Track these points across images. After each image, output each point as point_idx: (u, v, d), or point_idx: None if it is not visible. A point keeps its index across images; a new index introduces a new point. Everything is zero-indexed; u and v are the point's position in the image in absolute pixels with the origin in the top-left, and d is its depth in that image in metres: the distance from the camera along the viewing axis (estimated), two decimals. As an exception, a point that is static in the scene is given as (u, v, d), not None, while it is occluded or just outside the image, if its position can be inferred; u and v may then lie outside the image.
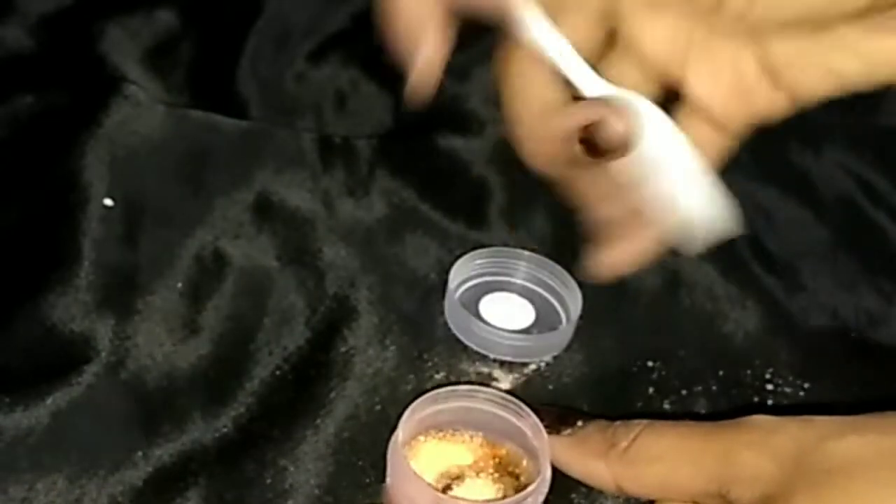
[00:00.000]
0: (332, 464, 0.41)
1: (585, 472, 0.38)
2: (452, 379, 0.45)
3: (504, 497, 0.38)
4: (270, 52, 0.61)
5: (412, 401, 0.43)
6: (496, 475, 0.39)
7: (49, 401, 0.41)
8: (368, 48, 0.63)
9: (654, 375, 0.46)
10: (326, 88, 0.60)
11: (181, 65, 0.59)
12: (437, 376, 0.45)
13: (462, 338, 0.46)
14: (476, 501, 0.37)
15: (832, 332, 0.50)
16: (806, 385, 0.47)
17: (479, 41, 0.65)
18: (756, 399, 0.46)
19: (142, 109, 0.53)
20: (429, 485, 0.37)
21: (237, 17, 0.63)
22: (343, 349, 0.45)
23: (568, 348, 0.47)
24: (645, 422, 0.38)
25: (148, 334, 0.44)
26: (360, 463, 0.41)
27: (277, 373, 0.44)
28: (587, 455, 0.38)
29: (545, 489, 0.37)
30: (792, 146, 0.59)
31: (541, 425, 0.39)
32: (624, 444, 0.37)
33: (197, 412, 0.42)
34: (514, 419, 0.39)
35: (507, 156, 0.57)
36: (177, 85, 0.58)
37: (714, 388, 0.46)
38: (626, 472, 0.37)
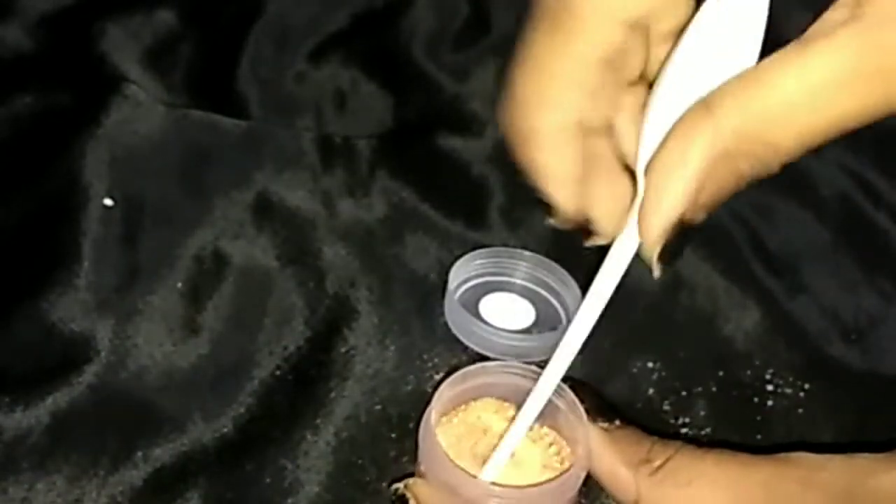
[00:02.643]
0: (332, 463, 0.41)
1: (610, 474, 0.37)
2: (452, 379, 0.45)
3: (544, 472, 0.37)
4: (270, 52, 0.61)
5: (412, 401, 0.44)
6: (532, 452, 0.38)
7: (49, 401, 0.41)
8: (368, 48, 0.63)
9: (654, 376, 0.47)
10: (326, 88, 0.60)
11: (181, 65, 0.59)
12: (437, 376, 0.45)
13: (462, 338, 0.46)
14: (510, 486, 0.36)
15: (832, 333, 0.50)
16: (806, 385, 0.47)
17: (479, 41, 0.65)
18: (756, 399, 0.46)
19: (142, 109, 0.53)
20: (458, 466, 0.36)
21: (237, 17, 0.63)
22: (343, 349, 0.45)
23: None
24: (678, 443, 0.37)
25: (148, 334, 0.44)
26: (360, 462, 0.41)
27: (277, 373, 0.44)
28: (618, 460, 0.37)
29: (583, 472, 0.37)
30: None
31: (579, 404, 0.38)
32: (658, 462, 0.36)
33: (197, 412, 0.42)
34: (553, 399, 0.38)
35: (507, 156, 0.57)
36: (177, 85, 0.58)
37: (714, 388, 0.46)
38: (652, 492, 0.36)
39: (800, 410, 0.46)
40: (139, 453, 0.40)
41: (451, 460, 0.36)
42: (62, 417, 0.40)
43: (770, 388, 0.47)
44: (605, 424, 0.38)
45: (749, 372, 0.47)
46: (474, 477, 0.36)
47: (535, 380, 0.38)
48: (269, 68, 0.61)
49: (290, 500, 0.39)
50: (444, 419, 0.39)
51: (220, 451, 0.41)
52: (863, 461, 0.35)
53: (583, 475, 0.37)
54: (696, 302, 0.50)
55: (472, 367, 0.39)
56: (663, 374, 0.47)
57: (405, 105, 0.60)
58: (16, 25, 0.58)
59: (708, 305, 0.50)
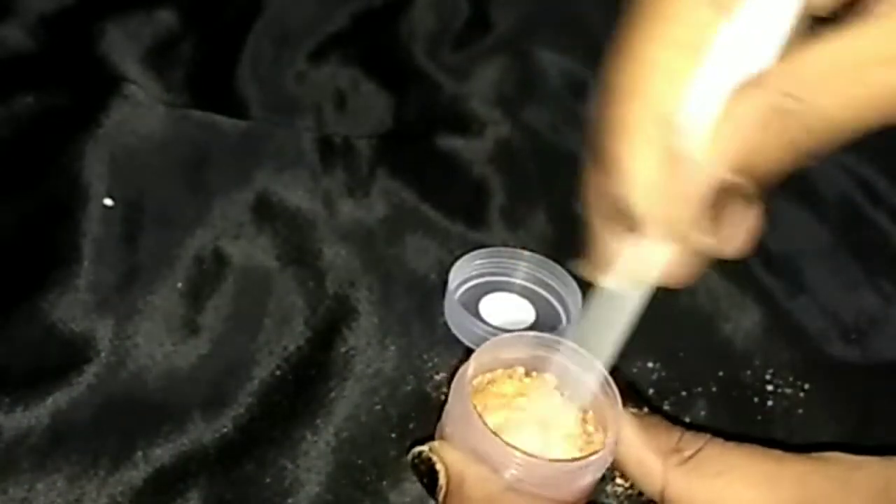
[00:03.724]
0: (332, 463, 0.41)
1: (638, 461, 0.36)
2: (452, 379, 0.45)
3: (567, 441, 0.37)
4: (270, 52, 0.61)
5: (412, 401, 0.44)
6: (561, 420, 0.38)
7: (49, 401, 0.41)
8: (368, 48, 0.63)
9: (654, 376, 0.46)
10: (326, 88, 0.60)
11: (181, 65, 0.59)
12: (438, 377, 0.45)
13: (462, 338, 0.46)
14: (541, 458, 0.35)
15: (832, 333, 0.50)
16: (806, 385, 0.47)
17: (479, 41, 0.65)
18: (756, 399, 0.46)
19: (142, 109, 0.53)
20: (489, 429, 0.35)
21: (237, 17, 0.63)
22: (343, 349, 0.45)
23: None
24: (708, 435, 0.37)
25: (148, 334, 0.44)
26: (360, 462, 0.41)
27: (277, 373, 0.44)
28: (647, 447, 0.36)
29: (612, 456, 0.36)
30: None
31: (614, 386, 0.37)
32: (688, 452, 0.36)
33: (197, 412, 0.42)
34: (585, 376, 0.38)
35: (507, 156, 0.57)
36: (177, 85, 0.58)
37: (714, 388, 0.46)
38: (680, 481, 0.36)
39: (800, 410, 0.46)
40: (139, 453, 0.40)
41: (485, 423, 0.35)
42: (62, 417, 0.40)
43: (770, 388, 0.47)
44: (635, 410, 0.38)
45: (749, 372, 0.47)
46: (506, 444, 0.34)
47: (569, 354, 0.37)
48: (269, 68, 0.61)
49: (290, 500, 0.39)
50: (474, 382, 0.38)
51: (220, 451, 0.41)
52: None
53: (611, 459, 0.36)
54: (696, 302, 0.50)
55: (507, 336, 0.38)
56: (663, 374, 0.47)
57: (405, 105, 0.60)
58: (16, 25, 0.58)
59: (708, 305, 0.50)
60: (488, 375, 0.39)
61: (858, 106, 0.29)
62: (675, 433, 0.37)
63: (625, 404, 0.37)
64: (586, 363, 0.37)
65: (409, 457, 0.36)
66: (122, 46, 0.58)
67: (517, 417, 0.37)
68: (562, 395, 0.38)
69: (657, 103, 0.32)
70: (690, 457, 0.36)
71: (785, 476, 0.35)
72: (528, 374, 0.39)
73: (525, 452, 0.35)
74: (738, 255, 0.34)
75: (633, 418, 0.37)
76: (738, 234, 0.34)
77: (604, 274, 0.35)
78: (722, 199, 0.32)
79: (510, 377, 0.39)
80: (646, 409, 0.38)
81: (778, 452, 0.36)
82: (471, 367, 0.36)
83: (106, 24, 0.59)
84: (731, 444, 0.36)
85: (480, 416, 0.35)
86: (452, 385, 0.37)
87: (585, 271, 0.36)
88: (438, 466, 0.35)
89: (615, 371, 0.37)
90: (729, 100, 0.30)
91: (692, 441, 0.36)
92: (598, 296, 0.36)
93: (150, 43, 0.59)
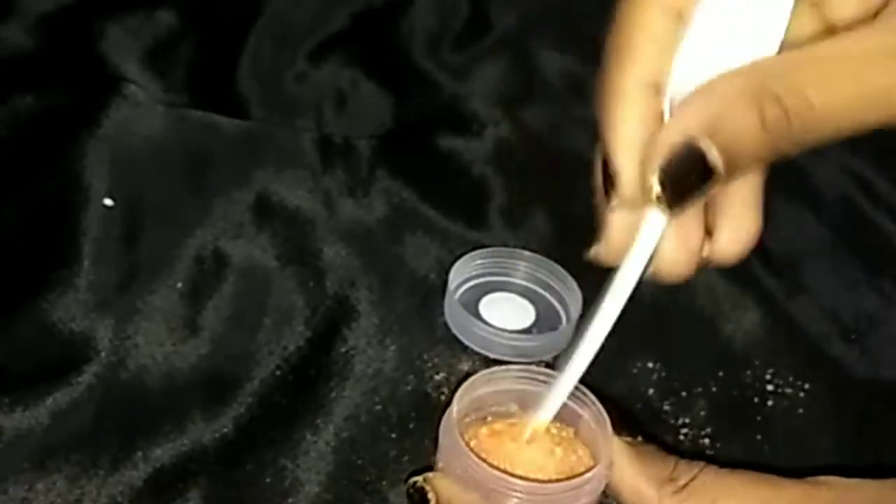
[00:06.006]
0: (332, 463, 0.41)
1: (633, 489, 0.36)
2: (452, 379, 0.45)
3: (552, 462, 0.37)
4: (270, 52, 0.61)
5: (412, 401, 0.44)
6: (553, 458, 0.37)
7: (49, 401, 0.41)
8: (368, 48, 0.63)
9: (654, 376, 0.46)
10: (326, 88, 0.60)
11: (181, 65, 0.59)
12: (437, 376, 0.45)
13: (462, 338, 0.46)
14: (533, 480, 0.35)
15: (832, 333, 0.50)
16: (806, 385, 0.47)
17: (479, 41, 0.65)
18: (756, 399, 0.46)
19: (142, 109, 0.53)
20: (481, 459, 0.35)
21: (237, 17, 0.63)
22: (343, 349, 0.45)
23: (568, 348, 0.47)
24: (702, 463, 0.36)
25: (148, 334, 0.44)
26: (360, 462, 0.41)
27: (277, 373, 0.44)
28: (642, 475, 0.36)
29: (604, 482, 0.36)
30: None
31: (605, 414, 0.37)
32: (682, 481, 0.36)
33: (197, 412, 0.42)
34: (575, 406, 0.38)
35: (507, 156, 0.57)
36: (177, 85, 0.58)
37: (714, 388, 0.46)
38: None
39: (800, 410, 0.46)
40: (139, 453, 0.40)
41: (475, 453, 0.35)
42: (62, 417, 0.40)
43: (770, 388, 0.47)
44: (629, 439, 0.38)
45: (749, 372, 0.47)
46: (499, 470, 0.35)
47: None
48: (269, 68, 0.61)
49: (290, 500, 0.39)
50: (464, 420, 0.38)
51: (220, 451, 0.41)
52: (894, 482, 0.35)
53: (604, 483, 0.36)
54: (696, 302, 0.50)
55: (497, 369, 0.39)
56: (663, 374, 0.47)
57: (405, 105, 0.60)
58: (16, 25, 0.58)
59: (708, 305, 0.50)
60: (472, 416, 0.38)
61: (846, 107, 0.29)
62: (670, 462, 0.37)
63: (619, 433, 0.37)
64: (578, 393, 0.37)
65: (405, 487, 0.37)
66: (122, 46, 0.58)
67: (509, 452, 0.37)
68: (554, 429, 0.38)
69: (645, 68, 0.33)
70: (685, 485, 0.36)
71: (781, 501, 0.35)
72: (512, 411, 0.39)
73: (512, 475, 0.35)
74: (735, 259, 0.34)
75: (628, 447, 0.37)
76: (736, 238, 0.34)
77: (606, 251, 0.35)
78: (709, 188, 0.31)
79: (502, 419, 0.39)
80: (640, 438, 0.38)
81: (773, 478, 0.36)
82: (456, 403, 0.37)
83: (106, 24, 0.59)
84: (725, 471, 0.36)
85: (469, 446, 0.36)
86: (442, 421, 0.37)
87: (593, 254, 0.36)
88: (430, 495, 0.35)
89: (607, 401, 0.38)
90: (718, 77, 0.30)
91: (687, 469, 0.36)
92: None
93: (150, 43, 0.59)
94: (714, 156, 0.29)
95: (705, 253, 0.35)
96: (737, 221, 0.35)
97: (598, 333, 0.35)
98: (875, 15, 0.31)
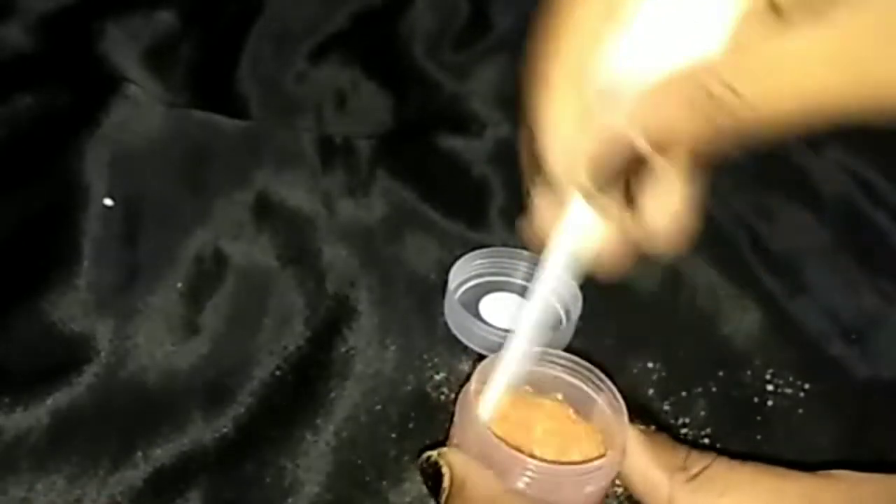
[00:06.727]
0: (332, 463, 0.41)
1: (644, 477, 0.37)
2: (452, 379, 0.45)
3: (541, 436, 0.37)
4: (270, 52, 0.61)
5: (412, 401, 0.44)
6: (565, 441, 0.38)
7: (49, 401, 0.41)
8: (368, 48, 0.63)
9: (654, 376, 0.46)
10: (326, 88, 0.60)
11: (181, 65, 0.59)
12: (438, 376, 0.45)
13: (462, 338, 0.46)
14: (549, 462, 0.35)
15: (832, 333, 0.50)
16: (806, 385, 0.47)
17: (479, 41, 0.65)
18: (756, 399, 0.46)
19: (142, 109, 0.53)
20: (497, 437, 0.35)
21: (237, 17, 0.63)
22: (343, 349, 0.45)
23: (568, 348, 0.47)
24: (714, 454, 0.37)
25: (148, 334, 0.44)
26: (360, 462, 0.41)
27: (277, 373, 0.44)
28: (653, 463, 0.37)
29: (617, 469, 0.36)
30: (792, 146, 0.59)
31: (621, 400, 0.37)
32: (694, 470, 0.36)
33: (197, 412, 0.42)
34: (590, 391, 0.38)
35: (507, 156, 0.57)
36: (177, 85, 0.58)
37: (714, 388, 0.46)
38: (686, 499, 0.36)
39: (800, 410, 0.46)
40: (139, 453, 0.40)
41: (492, 431, 0.35)
42: (62, 417, 0.40)
43: (770, 388, 0.47)
44: (643, 427, 0.38)
45: (749, 372, 0.47)
46: (515, 449, 0.35)
47: (574, 369, 0.38)
48: (269, 68, 0.61)
49: (290, 500, 0.39)
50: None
51: (220, 451, 0.41)
52: None
53: (616, 469, 0.36)
54: (696, 302, 0.50)
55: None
56: (663, 374, 0.47)
57: (405, 105, 0.60)
58: (16, 25, 0.58)
59: (708, 305, 0.50)
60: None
61: (793, 104, 0.29)
62: (682, 451, 0.37)
63: (633, 421, 0.37)
64: (594, 378, 0.38)
65: (418, 461, 0.36)
66: (122, 46, 0.58)
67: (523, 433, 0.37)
68: (571, 414, 0.38)
69: (576, 61, 0.33)
70: (696, 475, 0.36)
71: (792, 493, 0.35)
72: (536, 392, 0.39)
73: (530, 455, 0.35)
74: (671, 248, 0.34)
75: (641, 434, 0.37)
76: (661, 216, 0.34)
77: (539, 241, 0.36)
78: (635, 170, 0.32)
79: (521, 399, 0.39)
80: (653, 427, 0.38)
81: (783, 470, 0.36)
82: (475, 379, 0.37)
83: (106, 24, 0.59)
84: (736, 463, 0.36)
85: (487, 424, 0.35)
86: (459, 398, 0.37)
87: (525, 237, 0.36)
88: (444, 469, 0.35)
89: (623, 392, 0.38)
90: (662, 74, 0.30)
91: (699, 459, 0.36)
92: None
93: (150, 43, 0.59)
94: (641, 143, 0.30)
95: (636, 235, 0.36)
96: (659, 199, 0.35)
97: (530, 317, 0.36)
98: None
